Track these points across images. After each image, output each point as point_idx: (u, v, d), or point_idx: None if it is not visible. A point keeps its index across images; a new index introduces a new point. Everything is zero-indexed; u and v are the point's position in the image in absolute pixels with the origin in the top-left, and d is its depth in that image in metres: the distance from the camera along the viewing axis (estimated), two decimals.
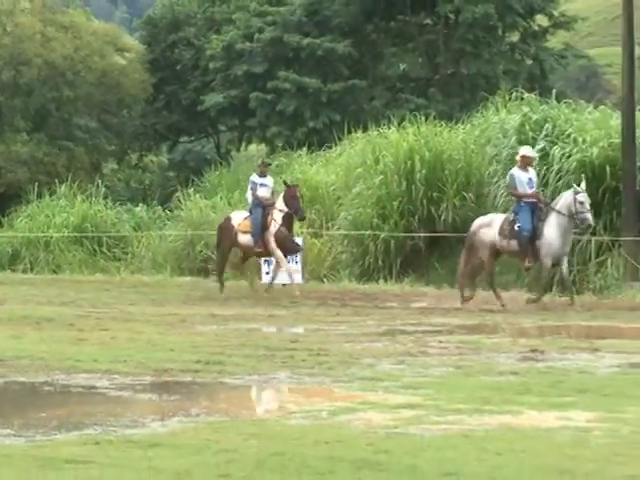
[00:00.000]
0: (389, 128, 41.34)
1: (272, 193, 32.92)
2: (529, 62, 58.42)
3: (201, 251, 42.09)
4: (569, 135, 35.43)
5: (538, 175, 32.62)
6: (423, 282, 35.48)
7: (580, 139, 34.84)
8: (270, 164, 34.41)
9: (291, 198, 32.68)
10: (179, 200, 46.76)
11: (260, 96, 55.69)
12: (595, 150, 34.15)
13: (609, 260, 32.94)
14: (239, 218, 32.06)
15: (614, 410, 14.48)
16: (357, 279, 37.42)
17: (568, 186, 31.68)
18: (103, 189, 49.67)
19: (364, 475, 10.63)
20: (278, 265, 33.59)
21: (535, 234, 28.92)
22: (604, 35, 68.13)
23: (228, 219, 32.16)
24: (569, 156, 34.49)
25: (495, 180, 36.56)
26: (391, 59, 57.08)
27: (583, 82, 63.67)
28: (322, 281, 37.69)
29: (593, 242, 32.93)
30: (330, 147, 45.08)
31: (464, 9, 56.00)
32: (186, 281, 39.10)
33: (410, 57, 56.68)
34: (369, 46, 57.64)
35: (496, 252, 30.03)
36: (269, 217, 32.53)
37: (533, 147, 34.06)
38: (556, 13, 60.84)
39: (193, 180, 49.46)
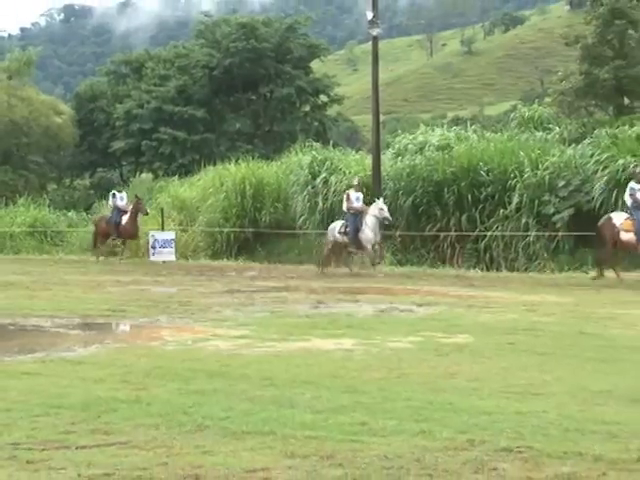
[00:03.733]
0: (229, 164, 43.14)
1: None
2: (315, 124, 61.02)
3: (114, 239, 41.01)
4: (341, 169, 36.89)
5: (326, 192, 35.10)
6: (250, 260, 36.26)
7: (347, 171, 36.39)
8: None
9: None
10: (96, 208, 49.02)
11: (148, 143, 57.98)
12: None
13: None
14: (620, 218, 27.63)
15: (368, 338, 15.37)
16: (210, 258, 38.20)
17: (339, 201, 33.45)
18: (47, 201, 51.21)
19: (214, 380, 11.69)
20: None
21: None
22: (362, 107, 70.13)
23: (609, 219, 27.49)
24: (341, 182, 35.78)
25: (295, 196, 37.88)
26: (230, 121, 59.46)
27: (349, 136, 65.97)
28: (187, 259, 37.79)
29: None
30: (192, 175, 46.70)
31: (275, 90, 59.55)
32: (100, 260, 37.97)
33: (242, 119, 58.65)
34: (216, 113, 59.53)
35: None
36: None
37: (318, 177, 36.61)
38: (332, 94, 64.10)
39: (105, 196, 49.50)
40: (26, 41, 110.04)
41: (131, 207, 37.14)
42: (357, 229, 30.18)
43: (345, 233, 30.66)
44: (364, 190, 32.06)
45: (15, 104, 55.53)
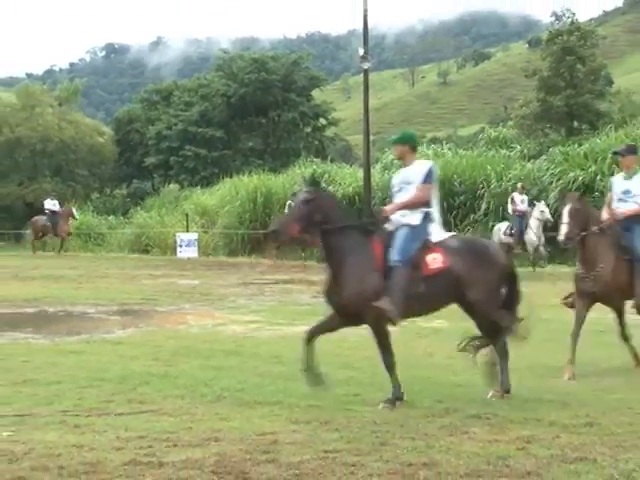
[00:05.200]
0: (243, 176, 42.55)
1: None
2: (316, 143, 60.19)
3: (144, 240, 42.13)
4: (337, 180, 37.11)
5: None
6: (260, 257, 35.29)
7: (343, 182, 36.67)
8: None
9: None
10: (132, 213, 48.39)
11: (175, 159, 57.06)
12: (350, 188, 36.03)
13: None
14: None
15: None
16: (227, 255, 37.60)
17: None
18: (91, 207, 51.11)
19: (230, 358, 11.75)
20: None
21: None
22: (355, 128, 69.94)
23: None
24: (338, 191, 35.36)
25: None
26: (244, 140, 58.87)
27: (343, 153, 65.39)
28: (208, 256, 37.00)
29: None
30: (212, 186, 46.18)
31: (282, 114, 58.42)
32: (135, 257, 37.97)
33: (254, 139, 57.95)
34: (232, 133, 58.85)
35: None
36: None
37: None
38: (330, 117, 62.90)
39: (139, 203, 51.00)
40: (74, 74, 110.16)
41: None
42: (522, 231, 27.98)
43: (510, 235, 28.35)
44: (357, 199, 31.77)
45: (65, 126, 55.53)
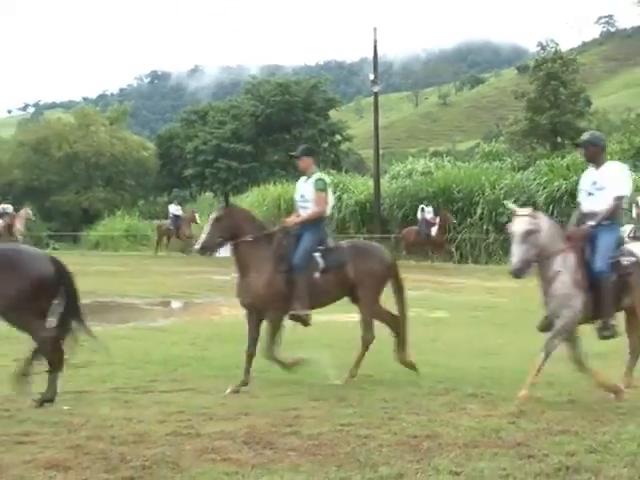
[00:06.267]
0: (269, 185, 42.32)
1: None
2: (332, 156, 59.47)
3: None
4: (350, 189, 36.44)
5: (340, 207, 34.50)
6: None
7: (356, 190, 36.21)
8: None
9: None
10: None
11: (210, 170, 56.91)
12: (362, 196, 35.81)
13: None
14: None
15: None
16: None
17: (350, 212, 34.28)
18: (138, 212, 50.83)
19: (258, 344, 10.99)
20: None
21: None
22: (366, 144, 69.44)
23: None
24: (351, 198, 35.62)
25: None
26: (270, 154, 58.18)
27: (356, 165, 64.63)
28: None
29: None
30: (242, 194, 45.29)
31: (303, 131, 57.83)
32: (176, 255, 37.15)
33: (278, 153, 56.79)
34: (260, 148, 58.45)
35: None
36: None
37: (333, 195, 36.45)
38: (344, 134, 62.52)
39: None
40: (123, 97, 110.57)
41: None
42: None
43: (635, 238, 24.37)
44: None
45: (115, 143, 55.74)
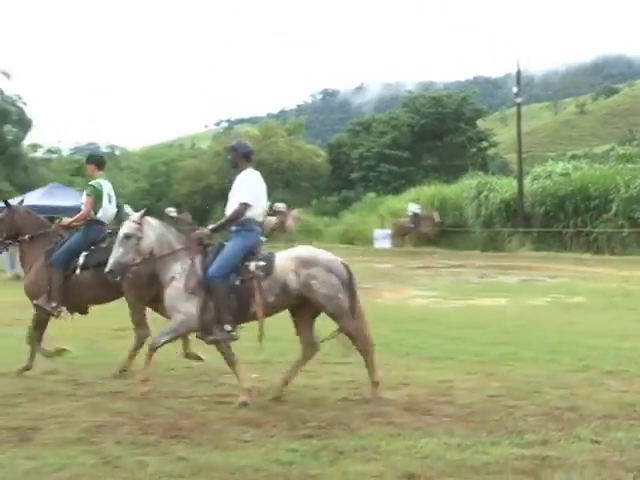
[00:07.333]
0: (424, 186, 41.36)
1: None
2: (480, 160, 57.36)
3: (350, 234, 40.71)
4: (496, 189, 35.06)
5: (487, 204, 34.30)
6: (436, 247, 33.51)
7: (501, 190, 34.84)
8: None
9: None
10: (342, 215, 47.22)
11: (373, 174, 56.46)
12: (507, 195, 34.37)
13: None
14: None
15: (515, 298, 15.11)
16: (412, 246, 35.20)
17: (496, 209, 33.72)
18: (311, 210, 50.71)
19: (416, 324, 11.53)
20: None
21: None
22: (510, 149, 66.41)
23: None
24: (497, 197, 34.33)
25: (467, 206, 35.55)
26: (425, 159, 57.66)
27: (502, 168, 61.18)
28: (397, 247, 34.63)
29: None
30: (400, 194, 44.35)
31: (454, 139, 57.05)
32: (343, 247, 32.71)
33: (432, 158, 56.69)
34: (416, 154, 57.49)
35: None
36: None
37: (481, 194, 34.68)
38: (491, 141, 61.35)
39: (347, 207, 50.53)
40: (299, 112, 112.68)
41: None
42: None
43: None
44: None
45: (292, 151, 56.44)
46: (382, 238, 36.48)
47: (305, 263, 6.85)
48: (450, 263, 26.28)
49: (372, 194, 50.14)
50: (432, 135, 58.46)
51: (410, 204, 35.56)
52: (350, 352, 7.15)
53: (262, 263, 6.90)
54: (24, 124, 52.46)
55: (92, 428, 5.89)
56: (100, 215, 8.50)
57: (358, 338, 7.04)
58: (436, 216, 34.71)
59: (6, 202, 8.86)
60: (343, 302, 6.98)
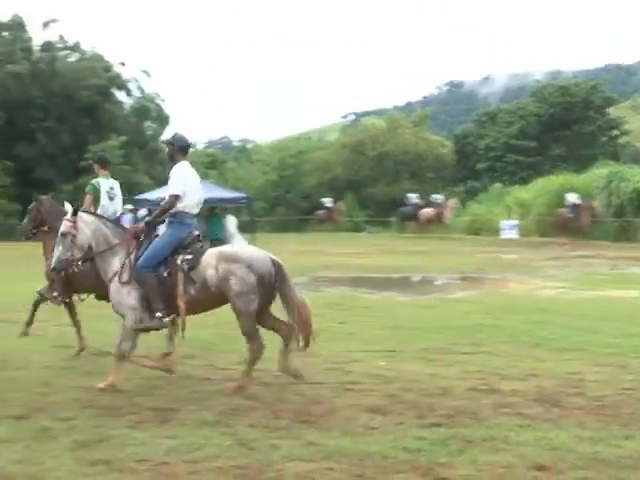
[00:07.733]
0: (552, 176, 39.76)
1: None
2: (610, 149, 55.15)
3: (477, 225, 40.06)
4: (627, 178, 33.57)
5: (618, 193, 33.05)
6: (563, 237, 31.77)
7: (633, 179, 33.21)
8: None
9: None
10: (468, 205, 45.79)
11: (499, 164, 55.25)
12: (639, 184, 32.69)
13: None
14: None
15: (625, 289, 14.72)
16: (540, 236, 34.34)
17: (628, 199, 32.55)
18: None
19: (544, 314, 11.24)
20: None
21: None
22: None
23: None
24: (628, 186, 32.84)
25: (597, 195, 34.44)
26: (553, 148, 55.72)
27: (634, 157, 56.78)
28: (525, 237, 34.02)
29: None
30: (527, 184, 43.11)
31: (582, 128, 55.50)
32: (470, 237, 35.36)
33: (560, 147, 54.80)
34: (543, 144, 55.61)
35: None
36: None
37: (612, 183, 33.61)
38: (622, 129, 59.10)
39: (473, 197, 49.11)
40: (425, 104, 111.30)
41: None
42: None
43: None
44: None
45: (418, 142, 56.02)
46: (509, 229, 35.94)
47: (227, 259, 6.75)
48: (580, 253, 25.60)
49: (498, 184, 49.08)
50: (560, 124, 56.77)
51: (568, 194, 34.05)
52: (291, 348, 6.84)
53: (189, 257, 6.86)
54: (162, 120, 54.44)
55: (227, 411, 6.04)
56: (99, 212, 8.50)
57: (252, 340, 6.74)
58: (596, 205, 33.29)
59: (35, 195, 9.09)
60: (251, 303, 6.68)
